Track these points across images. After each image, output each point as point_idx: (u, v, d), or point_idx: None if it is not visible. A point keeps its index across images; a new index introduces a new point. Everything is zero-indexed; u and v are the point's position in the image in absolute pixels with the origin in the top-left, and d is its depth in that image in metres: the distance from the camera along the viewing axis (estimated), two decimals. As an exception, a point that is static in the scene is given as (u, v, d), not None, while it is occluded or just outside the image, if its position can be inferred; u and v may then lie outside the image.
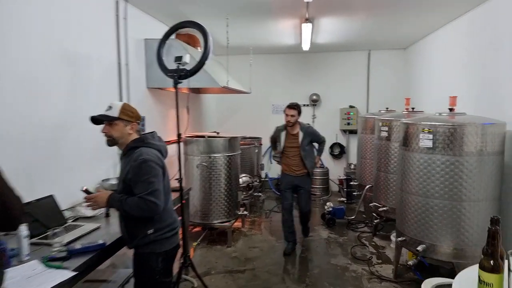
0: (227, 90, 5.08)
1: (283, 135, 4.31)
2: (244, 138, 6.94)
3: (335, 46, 6.45)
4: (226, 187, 4.44)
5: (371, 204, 4.47)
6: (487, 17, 3.65)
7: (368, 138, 5.28)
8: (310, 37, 5.31)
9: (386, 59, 6.83)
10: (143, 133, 2.16)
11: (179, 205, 3.01)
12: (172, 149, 4.20)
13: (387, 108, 5.39)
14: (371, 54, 6.88)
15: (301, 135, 4.19)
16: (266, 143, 7.26)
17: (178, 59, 2.78)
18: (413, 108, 4.30)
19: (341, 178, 6.38)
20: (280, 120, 7.82)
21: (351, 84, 7.00)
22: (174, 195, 2.51)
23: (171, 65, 2.85)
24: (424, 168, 3.04)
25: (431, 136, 2.98)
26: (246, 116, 7.39)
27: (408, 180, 3.20)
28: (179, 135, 2.82)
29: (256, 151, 5.97)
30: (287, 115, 4.14)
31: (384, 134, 4.20)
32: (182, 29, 3.06)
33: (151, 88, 4.33)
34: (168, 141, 4.28)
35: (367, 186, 5.06)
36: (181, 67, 2.77)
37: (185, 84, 3.33)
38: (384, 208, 4.19)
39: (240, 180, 5.46)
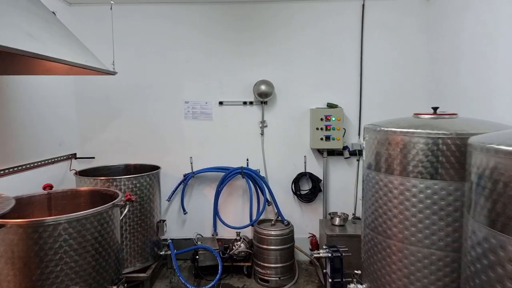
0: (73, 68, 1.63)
1: None
2: (129, 172, 3.47)
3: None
4: None
5: None
6: None
7: (396, 184, 2.07)
8: None
9: (394, 18, 3.71)
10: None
11: None
12: None
13: (435, 109, 2.22)
14: (367, 8, 3.72)
15: None
16: (174, 173, 3.80)
17: None
18: None
19: (318, 254, 3.09)
20: (203, 130, 3.96)
21: (331, 64, 3.79)
22: None
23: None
24: None
25: None
26: (136, 124, 3.88)
27: None
28: None
29: (126, 210, 2.50)
30: None
31: None
32: None
33: None
34: None
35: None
36: None
37: None
38: None
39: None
